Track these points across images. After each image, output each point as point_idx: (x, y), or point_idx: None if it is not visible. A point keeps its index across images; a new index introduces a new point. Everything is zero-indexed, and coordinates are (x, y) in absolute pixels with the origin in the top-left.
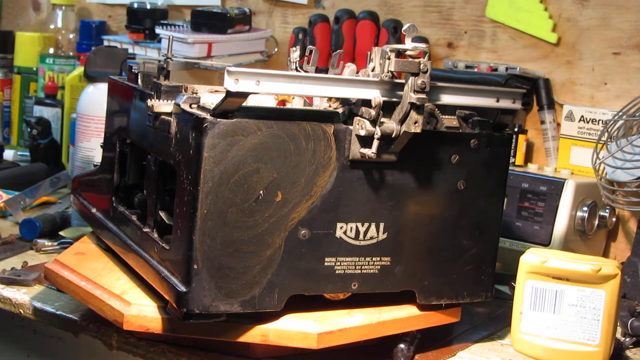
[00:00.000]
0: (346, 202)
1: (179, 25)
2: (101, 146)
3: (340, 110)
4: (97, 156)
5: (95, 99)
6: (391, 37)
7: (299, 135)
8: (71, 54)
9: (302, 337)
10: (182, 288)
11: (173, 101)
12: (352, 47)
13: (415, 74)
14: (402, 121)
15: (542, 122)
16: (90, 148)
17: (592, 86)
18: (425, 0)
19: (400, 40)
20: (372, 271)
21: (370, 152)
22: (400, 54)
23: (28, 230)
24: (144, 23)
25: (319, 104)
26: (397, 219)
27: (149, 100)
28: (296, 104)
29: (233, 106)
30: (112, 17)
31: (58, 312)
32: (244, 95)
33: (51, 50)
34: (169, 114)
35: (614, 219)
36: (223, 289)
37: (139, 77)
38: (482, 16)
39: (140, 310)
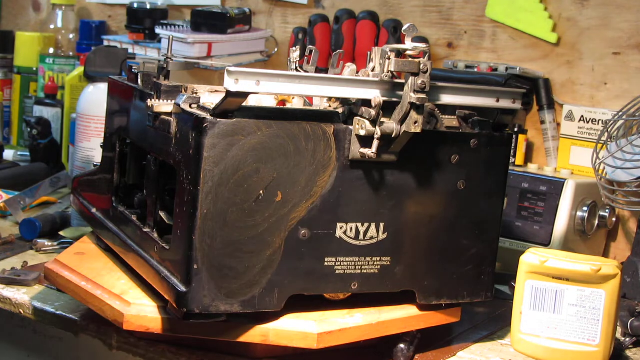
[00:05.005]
0: (346, 202)
1: (179, 25)
2: (101, 146)
3: (340, 110)
4: (97, 156)
5: (95, 99)
6: (391, 37)
7: (299, 135)
8: (71, 54)
9: (302, 337)
10: (182, 288)
11: (173, 101)
12: (352, 47)
13: (415, 74)
14: (402, 121)
15: (542, 122)
16: (90, 148)
17: (592, 86)
18: (425, 0)
19: (400, 40)
20: (372, 271)
21: (370, 152)
22: (400, 54)
23: (28, 230)
24: (144, 23)
25: (319, 104)
26: (397, 219)
27: (149, 100)
28: (296, 104)
29: (233, 106)
30: (112, 17)
31: (58, 312)
32: (244, 95)
33: (51, 50)
34: (169, 114)
35: (614, 219)
36: (223, 289)
37: (139, 77)
38: (482, 16)
39: (140, 310)
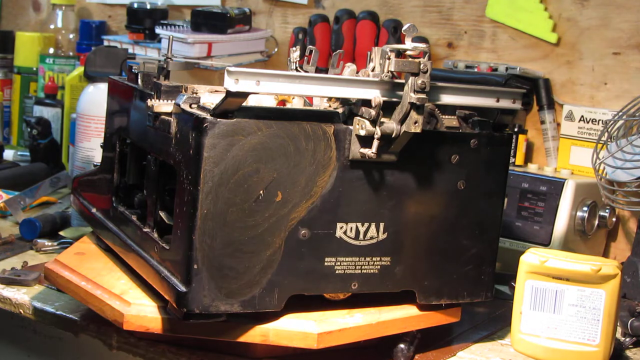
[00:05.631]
0: (346, 202)
1: (179, 25)
2: (101, 146)
3: (340, 110)
4: (97, 156)
5: (95, 99)
6: (391, 37)
7: (299, 135)
8: (71, 54)
9: (302, 337)
10: (182, 288)
11: (173, 101)
12: (352, 47)
13: (415, 74)
14: (402, 121)
15: (542, 122)
16: (90, 148)
17: (592, 86)
18: (425, 0)
19: (400, 40)
20: (372, 271)
21: (370, 152)
22: (400, 54)
23: (28, 230)
24: (144, 23)
25: (319, 104)
26: (397, 219)
27: (149, 100)
28: (296, 104)
29: (233, 106)
30: (112, 17)
31: (58, 312)
32: (244, 95)
33: (51, 50)
34: (169, 114)
35: (614, 219)
36: (223, 289)
37: (139, 77)
38: (482, 16)
39: (140, 310)
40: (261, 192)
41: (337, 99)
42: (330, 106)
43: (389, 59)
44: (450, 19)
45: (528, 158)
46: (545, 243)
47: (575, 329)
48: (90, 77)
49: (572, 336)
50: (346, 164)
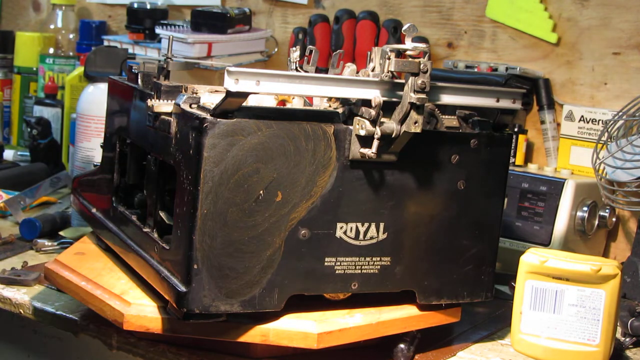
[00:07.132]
0: (346, 202)
1: (179, 25)
2: (101, 146)
3: (340, 110)
4: (97, 156)
5: (95, 99)
6: (391, 37)
7: (299, 135)
8: (71, 54)
9: (302, 337)
10: (182, 288)
11: (173, 101)
12: (352, 47)
13: (415, 74)
14: (402, 121)
15: (542, 122)
16: (90, 148)
17: (592, 86)
18: (425, 0)
19: (400, 40)
20: (372, 271)
21: (370, 152)
22: (400, 54)
23: (28, 230)
24: (144, 23)
25: (319, 104)
26: (397, 219)
27: (149, 100)
28: (296, 104)
29: (233, 106)
30: (112, 17)
31: (58, 312)
32: (244, 95)
33: (51, 50)
34: (169, 114)
35: (614, 219)
36: (223, 289)
37: (139, 77)
38: (482, 16)
39: (140, 310)
40: (261, 192)
41: (337, 99)
42: (330, 106)
43: (389, 59)
44: (450, 19)
45: (528, 158)
46: (545, 243)
47: (575, 329)
48: (90, 77)
49: (572, 336)
50: (346, 164)
